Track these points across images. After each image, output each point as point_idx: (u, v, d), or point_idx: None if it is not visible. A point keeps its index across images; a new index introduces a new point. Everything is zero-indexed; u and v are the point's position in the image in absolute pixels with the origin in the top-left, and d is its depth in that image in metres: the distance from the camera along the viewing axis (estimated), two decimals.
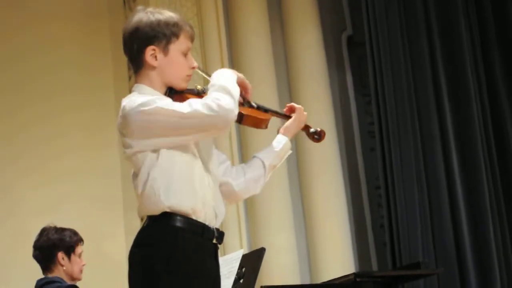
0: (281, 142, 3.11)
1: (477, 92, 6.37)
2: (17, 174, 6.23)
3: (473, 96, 6.31)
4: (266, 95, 6.29)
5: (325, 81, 6.64)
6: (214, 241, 2.88)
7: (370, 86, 6.37)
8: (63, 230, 4.56)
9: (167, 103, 2.82)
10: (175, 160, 2.82)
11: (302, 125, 3.18)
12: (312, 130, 3.24)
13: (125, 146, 2.88)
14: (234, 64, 6.52)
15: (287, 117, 3.19)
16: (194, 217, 2.81)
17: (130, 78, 6.52)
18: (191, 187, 2.82)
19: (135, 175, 2.87)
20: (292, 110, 3.18)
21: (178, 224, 2.79)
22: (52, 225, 4.56)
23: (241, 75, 2.99)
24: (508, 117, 6.42)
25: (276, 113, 3.19)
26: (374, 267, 6.58)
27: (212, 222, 2.88)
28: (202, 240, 2.83)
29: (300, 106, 3.18)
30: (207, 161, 2.94)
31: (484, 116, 6.35)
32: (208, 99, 2.80)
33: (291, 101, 6.51)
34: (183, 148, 2.84)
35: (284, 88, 6.58)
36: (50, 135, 6.35)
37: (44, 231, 4.55)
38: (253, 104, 3.06)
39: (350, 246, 6.40)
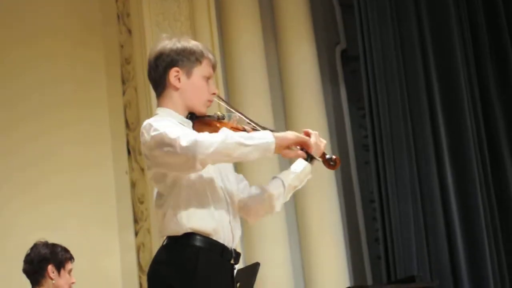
0: (302, 165, 3.15)
1: (471, 105, 6.40)
2: (12, 192, 6.19)
3: (467, 109, 6.33)
4: (260, 110, 6.29)
5: (319, 95, 6.64)
6: (232, 261, 2.95)
7: (364, 100, 6.38)
8: (54, 245, 4.55)
9: (168, 126, 2.82)
10: (191, 183, 2.88)
11: (321, 151, 3.15)
12: (328, 156, 3.23)
13: (147, 167, 2.97)
14: (228, 79, 6.53)
15: None
16: (214, 238, 2.89)
17: (123, 93, 6.51)
18: (209, 211, 2.89)
19: (159, 195, 2.94)
20: (307, 134, 3.15)
21: (199, 243, 2.86)
22: (43, 240, 4.55)
23: (302, 137, 3.01)
24: (501, 130, 6.45)
25: None
26: (369, 280, 6.57)
27: (230, 244, 2.94)
28: (221, 260, 2.90)
29: (315, 132, 3.16)
30: (225, 180, 3.00)
31: (478, 129, 6.37)
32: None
33: (285, 115, 6.57)
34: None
35: (278, 102, 6.58)
36: (44, 151, 6.30)
37: (34, 246, 4.54)
38: (318, 158, 3.08)
39: (344, 259, 6.39)
